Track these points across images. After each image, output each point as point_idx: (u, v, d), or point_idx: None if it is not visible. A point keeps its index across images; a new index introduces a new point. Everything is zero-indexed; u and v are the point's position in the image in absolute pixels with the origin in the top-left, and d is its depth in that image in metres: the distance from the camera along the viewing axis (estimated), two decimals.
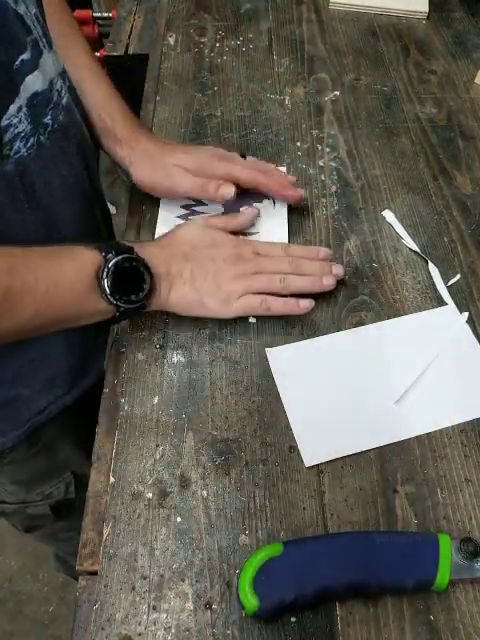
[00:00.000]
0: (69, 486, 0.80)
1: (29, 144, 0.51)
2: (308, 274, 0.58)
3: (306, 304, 0.56)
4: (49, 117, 0.53)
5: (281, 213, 0.67)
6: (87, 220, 0.64)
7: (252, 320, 0.58)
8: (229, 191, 0.62)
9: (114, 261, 0.50)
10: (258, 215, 0.64)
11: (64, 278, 0.49)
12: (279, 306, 0.56)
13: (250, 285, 0.56)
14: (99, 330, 0.65)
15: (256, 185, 0.65)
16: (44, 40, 0.52)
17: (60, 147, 0.56)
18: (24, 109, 0.50)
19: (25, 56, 0.49)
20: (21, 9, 0.49)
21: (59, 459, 0.76)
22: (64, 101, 0.56)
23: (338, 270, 0.59)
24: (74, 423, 0.75)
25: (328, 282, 0.58)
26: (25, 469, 0.74)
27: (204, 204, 0.68)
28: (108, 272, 0.50)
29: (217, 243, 0.57)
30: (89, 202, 0.64)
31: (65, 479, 0.79)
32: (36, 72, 0.50)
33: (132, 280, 0.52)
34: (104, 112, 0.65)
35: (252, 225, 0.66)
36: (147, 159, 0.64)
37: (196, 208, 0.67)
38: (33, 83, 0.50)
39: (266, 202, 0.68)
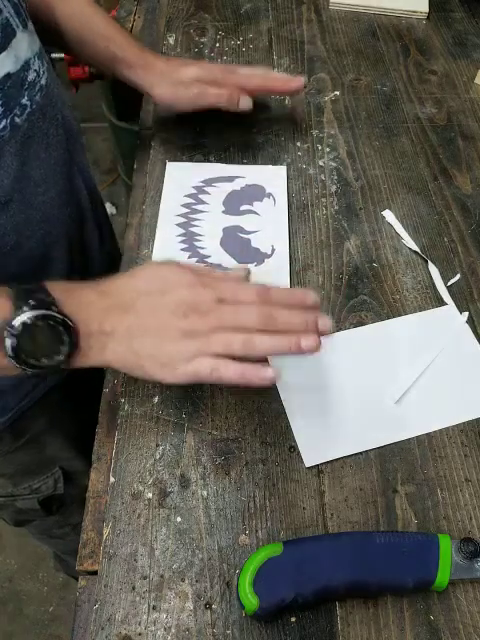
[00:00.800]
0: (57, 482, 0.80)
1: (1, 126, 0.50)
2: (284, 329, 0.45)
3: (269, 374, 0.44)
4: (26, 98, 0.53)
5: (281, 211, 0.67)
6: (69, 205, 0.63)
7: None
8: (249, 103, 0.69)
9: (23, 319, 0.41)
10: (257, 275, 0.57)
11: None
12: (233, 375, 0.44)
13: (201, 347, 0.45)
14: None
15: (263, 91, 0.73)
16: (17, 20, 0.51)
17: (39, 128, 0.55)
18: None
19: None
20: None
21: (46, 454, 0.76)
22: (42, 81, 0.55)
23: (325, 325, 0.47)
24: (62, 417, 0.75)
25: (308, 344, 0.45)
26: (10, 462, 0.74)
27: (205, 203, 0.68)
28: (10, 332, 0.41)
29: (168, 288, 0.46)
30: (72, 186, 0.63)
31: (53, 474, 0.80)
32: (4, 53, 0.49)
33: (49, 339, 0.43)
34: (112, 43, 0.68)
35: (252, 224, 0.66)
36: (165, 78, 0.68)
37: (197, 206, 0.67)
38: (2, 64, 0.49)
39: (266, 201, 0.68)
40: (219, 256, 0.63)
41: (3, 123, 0.50)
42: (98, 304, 0.46)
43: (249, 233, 0.65)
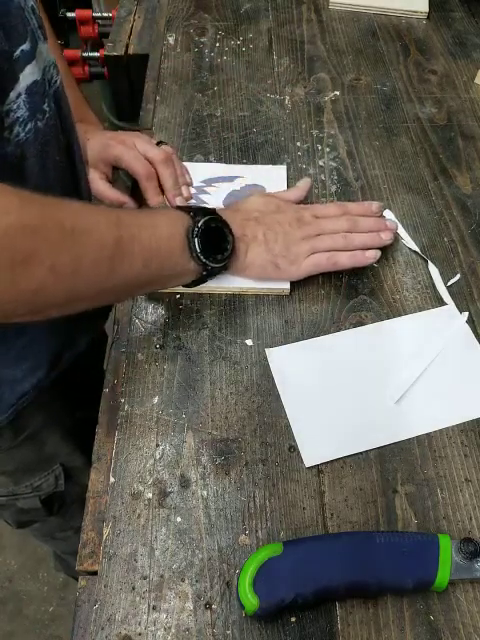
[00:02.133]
0: (58, 479, 0.81)
1: (27, 129, 0.53)
2: (366, 231, 0.61)
3: (373, 253, 0.60)
4: (46, 104, 0.55)
5: None
6: None
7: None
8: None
9: (203, 221, 0.53)
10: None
11: (161, 231, 0.52)
12: (346, 259, 0.60)
13: (316, 245, 0.59)
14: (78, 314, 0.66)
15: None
16: (39, 32, 0.54)
17: (53, 134, 0.57)
18: (23, 96, 0.51)
19: (25, 46, 0.50)
20: (20, 1, 0.50)
21: (46, 450, 0.77)
22: (58, 89, 0.58)
23: (393, 224, 0.64)
24: (58, 413, 0.75)
25: (386, 237, 0.62)
26: (11, 459, 0.74)
27: (205, 202, 0.68)
28: (198, 232, 0.53)
29: (281, 209, 0.61)
30: (76, 187, 0.65)
31: (54, 471, 0.80)
32: (34, 62, 0.52)
33: (216, 241, 0.55)
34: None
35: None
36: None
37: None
38: (31, 73, 0.52)
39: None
40: None
41: (29, 126, 0.53)
42: (236, 218, 0.59)
43: None
